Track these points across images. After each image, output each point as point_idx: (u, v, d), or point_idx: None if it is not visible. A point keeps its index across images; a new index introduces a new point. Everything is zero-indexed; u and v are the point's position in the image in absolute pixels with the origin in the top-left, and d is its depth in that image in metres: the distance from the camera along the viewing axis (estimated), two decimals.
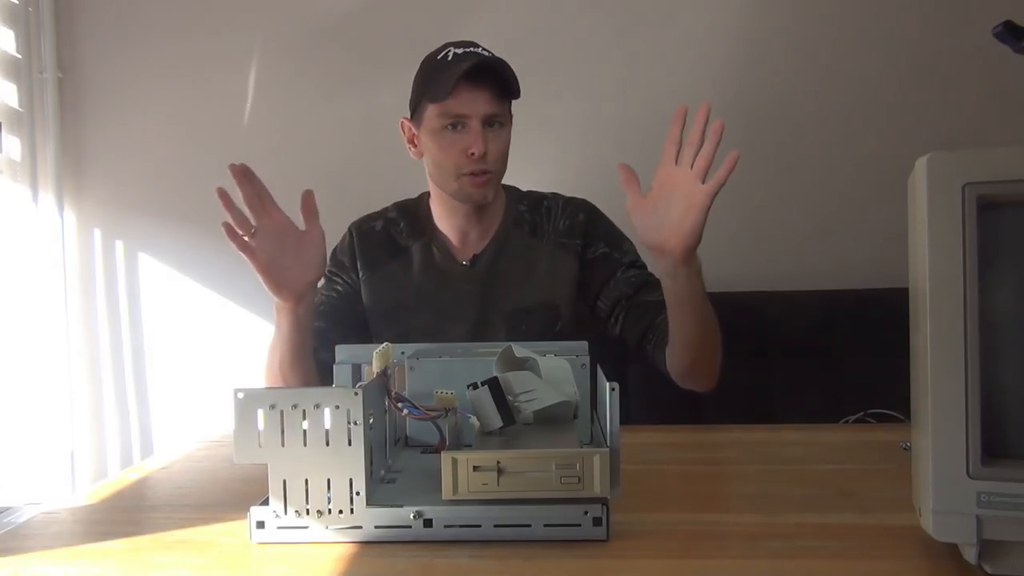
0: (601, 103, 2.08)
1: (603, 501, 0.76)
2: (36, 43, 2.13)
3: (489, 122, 1.37)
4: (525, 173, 1.59)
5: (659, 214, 1.16)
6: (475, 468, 0.76)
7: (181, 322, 2.19)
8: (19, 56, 2.11)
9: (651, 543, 0.77)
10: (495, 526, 0.77)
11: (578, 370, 0.97)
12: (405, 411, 0.88)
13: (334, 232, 1.54)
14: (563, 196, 1.53)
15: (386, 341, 0.96)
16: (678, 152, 1.15)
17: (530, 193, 1.54)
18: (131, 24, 2.16)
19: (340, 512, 0.77)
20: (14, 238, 2.10)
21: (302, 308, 1.26)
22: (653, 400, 1.50)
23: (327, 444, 0.77)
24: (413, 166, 1.55)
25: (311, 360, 1.31)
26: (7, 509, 1.94)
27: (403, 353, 1.04)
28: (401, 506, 0.77)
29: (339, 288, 1.50)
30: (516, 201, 1.52)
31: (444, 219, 1.49)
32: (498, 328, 1.44)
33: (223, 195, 1.18)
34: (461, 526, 0.77)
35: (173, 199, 2.17)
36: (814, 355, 1.85)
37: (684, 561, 0.73)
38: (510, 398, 0.85)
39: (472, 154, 1.35)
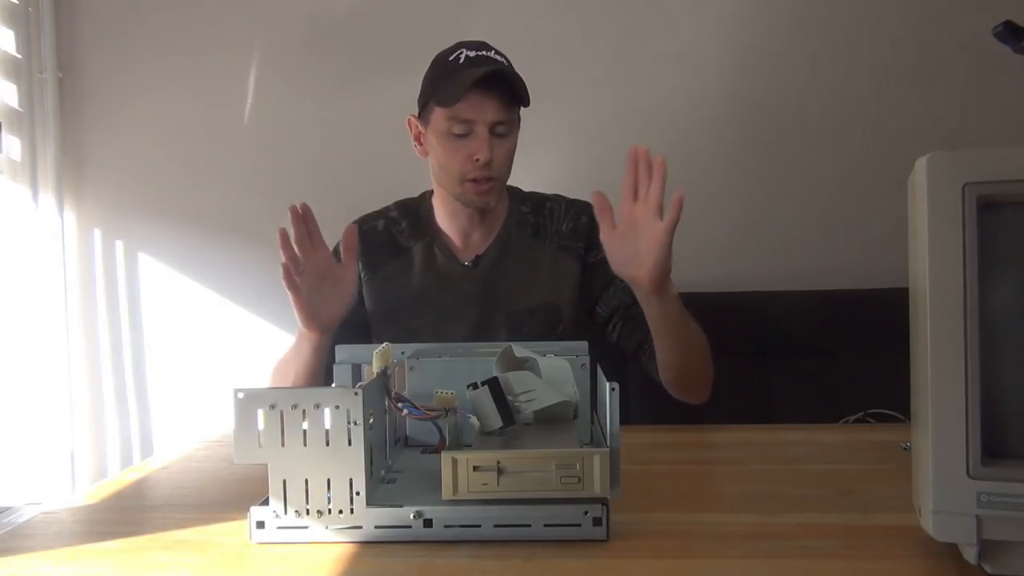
0: (600, 104, 2.08)
1: (603, 501, 0.76)
2: (36, 43, 2.12)
3: (496, 129, 1.36)
4: (525, 174, 1.58)
5: (627, 247, 1.19)
6: (475, 468, 0.76)
7: (181, 322, 2.19)
8: (19, 56, 2.11)
9: (651, 543, 0.77)
10: (495, 526, 0.77)
11: (578, 370, 0.97)
12: (405, 411, 0.88)
13: (334, 232, 1.54)
14: (566, 198, 1.53)
15: (386, 341, 0.96)
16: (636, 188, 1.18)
17: (533, 194, 1.54)
18: (131, 24, 2.16)
19: (340, 512, 0.77)
20: (14, 238, 2.10)
21: (326, 337, 1.28)
22: (653, 400, 1.50)
23: (327, 444, 0.77)
24: (413, 166, 1.55)
25: (323, 381, 1.31)
26: (7, 509, 1.94)
27: (403, 353, 1.04)
28: (401, 506, 0.77)
29: None
30: (519, 202, 1.51)
31: (446, 219, 1.49)
32: (499, 330, 1.43)
33: (283, 236, 1.19)
34: (461, 526, 0.77)
35: (173, 199, 2.17)
36: (814, 355, 1.86)
37: (684, 561, 0.73)
38: (510, 398, 0.85)
39: (477, 160, 1.35)
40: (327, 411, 0.77)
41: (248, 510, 0.79)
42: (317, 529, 0.78)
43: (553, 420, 0.88)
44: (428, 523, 0.77)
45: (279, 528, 0.78)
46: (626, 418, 0.81)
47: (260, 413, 0.77)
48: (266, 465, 0.78)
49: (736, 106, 2.04)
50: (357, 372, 1.04)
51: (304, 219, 1.23)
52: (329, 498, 0.77)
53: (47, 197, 2.13)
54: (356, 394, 0.77)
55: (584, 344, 1.06)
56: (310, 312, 1.23)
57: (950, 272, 0.63)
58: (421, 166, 1.49)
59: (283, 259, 1.18)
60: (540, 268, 1.47)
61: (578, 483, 0.75)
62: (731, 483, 0.99)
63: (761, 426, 1.29)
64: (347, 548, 0.77)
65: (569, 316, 1.45)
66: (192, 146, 2.16)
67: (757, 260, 2.05)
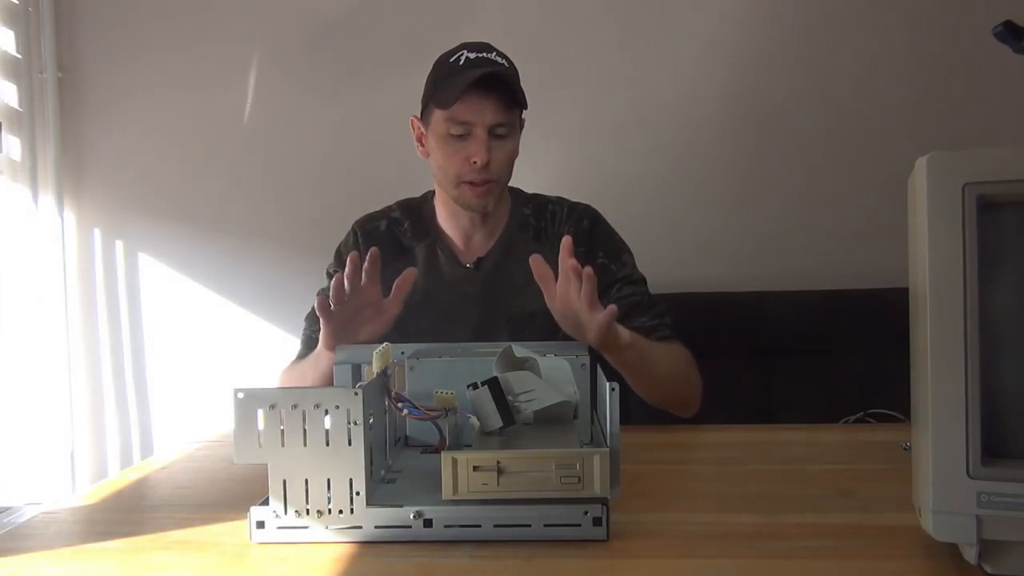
0: (602, 105, 2.07)
1: (603, 501, 0.76)
2: (36, 43, 2.12)
3: (495, 131, 1.36)
4: (525, 174, 1.58)
5: (567, 317, 1.18)
6: (475, 468, 0.76)
7: (181, 322, 2.19)
8: (19, 56, 2.11)
9: (651, 543, 0.77)
10: (495, 526, 0.77)
11: (578, 370, 0.97)
12: (405, 411, 0.88)
13: (335, 232, 1.54)
14: (568, 201, 1.52)
15: (386, 341, 0.96)
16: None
17: (535, 196, 1.54)
18: (131, 24, 2.16)
19: (340, 512, 0.77)
20: (14, 238, 2.10)
21: None
22: None
23: (327, 444, 0.77)
24: (414, 166, 1.55)
25: None
26: (7, 509, 1.94)
27: (403, 353, 1.04)
28: (401, 506, 0.78)
29: None
30: (521, 204, 1.51)
31: (448, 221, 1.48)
32: (500, 332, 1.43)
33: (337, 282, 1.14)
34: (461, 526, 0.77)
35: (173, 199, 2.17)
36: (814, 355, 1.86)
37: (684, 561, 0.73)
38: (510, 398, 0.85)
39: (474, 163, 1.35)
40: (327, 411, 0.77)
41: (248, 510, 0.79)
42: (317, 529, 0.78)
43: (553, 420, 0.88)
44: (428, 523, 0.77)
45: (279, 528, 0.78)
46: (626, 418, 0.81)
47: (260, 413, 0.77)
48: (266, 465, 0.78)
49: (736, 106, 2.04)
50: (357, 372, 1.04)
51: (369, 262, 1.19)
52: (329, 498, 0.77)
53: (47, 197, 2.13)
54: (356, 394, 0.77)
55: (584, 344, 1.06)
56: (337, 336, 1.19)
57: (950, 272, 0.63)
58: (422, 166, 1.49)
59: (332, 288, 1.15)
60: None
61: (578, 483, 0.75)
62: (731, 483, 0.99)
63: (761, 426, 1.29)
64: (347, 548, 0.77)
65: None
66: (192, 146, 2.16)
67: (757, 260, 2.05)
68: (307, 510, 0.78)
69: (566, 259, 1.12)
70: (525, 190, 1.55)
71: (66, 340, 2.16)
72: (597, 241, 1.47)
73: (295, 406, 0.77)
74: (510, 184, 1.47)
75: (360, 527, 0.77)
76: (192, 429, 1.36)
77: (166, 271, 2.20)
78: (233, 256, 2.16)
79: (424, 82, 1.42)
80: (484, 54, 1.37)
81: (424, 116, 1.43)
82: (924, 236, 0.64)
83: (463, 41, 1.41)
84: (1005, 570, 0.65)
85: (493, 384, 0.84)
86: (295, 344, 1.47)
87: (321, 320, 1.18)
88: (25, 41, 2.12)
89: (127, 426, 2.23)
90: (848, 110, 2.02)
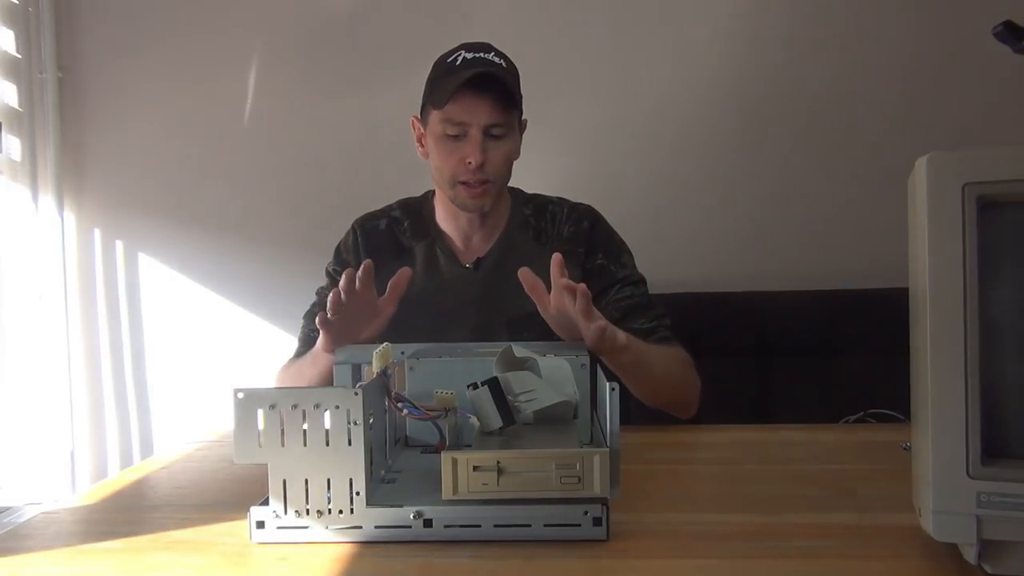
0: (603, 105, 2.07)
1: (603, 501, 0.76)
2: (36, 43, 2.12)
3: (491, 131, 1.35)
4: (525, 174, 1.58)
5: (563, 325, 1.17)
6: (475, 468, 0.76)
7: (181, 322, 2.19)
8: (19, 56, 2.11)
9: (651, 543, 0.77)
10: (495, 526, 0.77)
11: (578, 370, 0.97)
12: (405, 411, 0.88)
13: (335, 231, 1.54)
14: (568, 201, 1.52)
15: (386, 341, 0.96)
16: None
17: (535, 196, 1.53)
18: (131, 24, 2.16)
19: (340, 512, 0.77)
20: (14, 238, 2.10)
21: None
22: None
23: (327, 444, 0.77)
24: (414, 166, 1.55)
25: None
26: (7, 509, 1.94)
27: (403, 353, 1.03)
28: (401, 506, 0.78)
29: None
30: (521, 204, 1.51)
31: (448, 221, 1.48)
32: (500, 333, 1.43)
33: (334, 296, 1.13)
34: (461, 526, 0.77)
35: (173, 199, 2.17)
36: (814, 355, 1.85)
37: (684, 561, 0.73)
38: (510, 398, 0.85)
39: (469, 163, 1.35)
40: (327, 411, 0.77)
41: (248, 510, 0.79)
42: (317, 529, 0.78)
43: (553, 420, 0.88)
44: (428, 523, 0.77)
45: (279, 528, 0.78)
46: (626, 418, 0.81)
47: (260, 413, 0.77)
48: (266, 465, 0.78)
49: (736, 106, 2.04)
50: (357, 372, 1.04)
51: (367, 275, 1.17)
52: (329, 498, 0.77)
53: (47, 197, 2.13)
54: (356, 394, 0.77)
55: (584, 344, 1.06)
56: (335, 340, 1.19)
57: (950, 272, 0.63)
58: (422, 166, 1.49)
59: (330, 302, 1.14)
60: (541, 272, 1.46)
61: (578, 483, 0.75)
62: (731, 483, 0.99)
63: (761, 426, 1.29)
64: (347, 548, 0.77)
65: None
66: (192, 146, 2.16)
67: (757, 260, 2.05)
68: (307, 510, 0.78)
69: (557, 278, 1.12)
70: (525, 190, 1.55)
71: (66, 340, 2.16)
72: (598, 242, 1.47)
73: (295, 406, 0.77)
74: (510, 184, 1.47)
75: (360, 527, 0.77)
76: (192, 429, 1.36)
77: (166, 271, 2.20)
78: (233, 256, 2.16)
79: (424, 82, 1.43)
80: (481, 54, 1.37)
81: (423, 116, 1.43)
82: (924, 236, 0.64)
83: (463, 41, 1.41)
84: (1005, 570, 0.65)
85: (493, 384, 0.84)
86: (295, 344, 1.47)
87: (321, 330, 1.18)
88: (25, 41, 2.12)
89: (127, 426, 2.23)
90: (848, 110, 2.02)
